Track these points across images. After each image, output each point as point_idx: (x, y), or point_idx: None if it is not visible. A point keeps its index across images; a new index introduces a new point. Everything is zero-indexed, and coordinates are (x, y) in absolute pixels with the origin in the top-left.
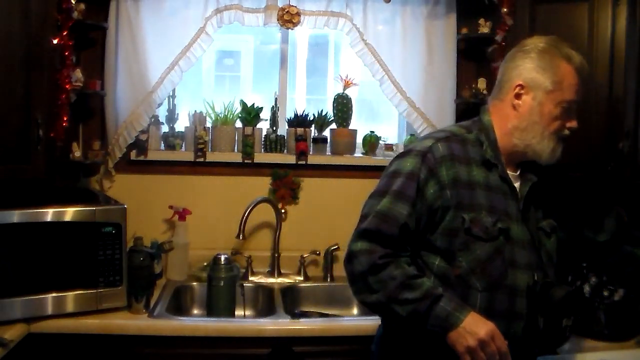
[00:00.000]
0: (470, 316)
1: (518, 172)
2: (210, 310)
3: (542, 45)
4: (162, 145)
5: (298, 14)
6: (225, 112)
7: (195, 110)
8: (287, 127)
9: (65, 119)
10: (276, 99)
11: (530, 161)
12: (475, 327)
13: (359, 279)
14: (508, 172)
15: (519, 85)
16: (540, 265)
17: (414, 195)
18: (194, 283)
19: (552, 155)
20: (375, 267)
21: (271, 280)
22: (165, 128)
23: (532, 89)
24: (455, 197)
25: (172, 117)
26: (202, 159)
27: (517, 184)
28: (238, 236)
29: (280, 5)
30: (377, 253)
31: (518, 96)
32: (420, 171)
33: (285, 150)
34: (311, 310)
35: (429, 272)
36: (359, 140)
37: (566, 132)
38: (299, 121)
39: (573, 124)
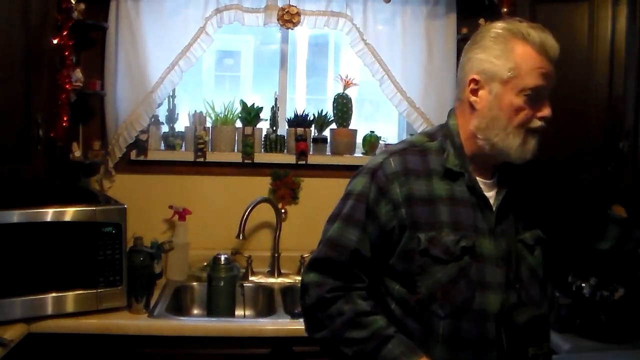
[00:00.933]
0: None
1: (493, 180)
2: (210, 310)
3: (495, 30)
4: (162, 145)
5: (298, 14)
6: (225, 112)
7: (195, 110)
8: (287, 127)
9: (65, 119)
10: (276, 99)
11: (508, 164)
12: None
13: (308, 314)
14: (480, 179)
15: (473, 80)
16: (517, 283)
17: (364, 218)
18: (194, 283)
19: (522, 152)
20: (323, 301)
21: (271, 280)
22: (165, 128)
23: (486, 82)
24: (411, 215)
25: (172, 117)
26: (202, 159)
27: (491, 193)
28: (238, 236)
29: (280, 5)
30: (326, 286)
31: (474, 92)
32: (370, 191)
33: (285, 150)
34: None
35: (391, 299)
36: (359, 140)
37: (537, 123)
38: (299, 121)
39: (544, 112)
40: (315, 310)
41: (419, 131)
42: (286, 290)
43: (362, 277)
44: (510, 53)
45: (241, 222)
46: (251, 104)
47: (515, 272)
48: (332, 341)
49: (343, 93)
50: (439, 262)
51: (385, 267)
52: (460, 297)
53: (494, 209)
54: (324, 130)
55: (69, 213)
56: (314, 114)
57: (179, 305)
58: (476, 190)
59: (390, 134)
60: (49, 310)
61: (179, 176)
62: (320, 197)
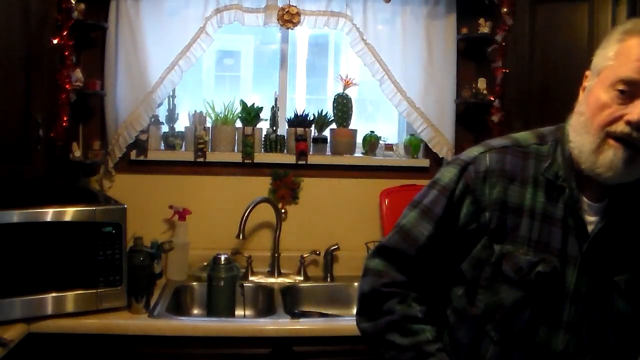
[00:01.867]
0: None
1: (602, 203)
2: (210, 310)
3: (617, 27)
4: (162, 145)
5: (298, 14)
6: (225, 112)
7: (195, 110)
8: (287, 127)
9: (65, 119)
10: (276, 99)
11: (631, 189)
12: None
13: (360, 300)
14: (586, 200)
15: (585, 76)
16: (596, 328)
17: (441, 213)
18: (194, 283)
19: (595, 161)
20: (377, 294)
21: (271, 280)
22: (165, 128)
23: (591, 77)
24: (493, 221)
25: (172, 117)
26: (202, 159)
27: (594, 218)
28: (238, 236)
29: (280, 5)
30: (385, 278)
31: (583, 89)
32: (456, 186)
33: (285, 150)
34: (311, 310)
35: (449, 303)
36: (359, 140)
37: (621, 127)
38: (299, 121)
39: (632, 115)
40: (367, 300)
41: (418, 131)
42: (286, 290)
43: (427, 277)
44: (616, 44)
45: (241, 222)
46: (251, 104)
47: (599, 316)
48: (373, 336)
49: (343, 93)
50: (507, 282)
51: (455, 269)
52: (519, 325)
53: (590, 237)
54: (324, 130)
55: (69, 213)
56: (314, 114)
57: (179, 305)
58: (575, 211)
59: (390, 134)
60: (49, 310)
61: (179, 176)
62: (320, 197)
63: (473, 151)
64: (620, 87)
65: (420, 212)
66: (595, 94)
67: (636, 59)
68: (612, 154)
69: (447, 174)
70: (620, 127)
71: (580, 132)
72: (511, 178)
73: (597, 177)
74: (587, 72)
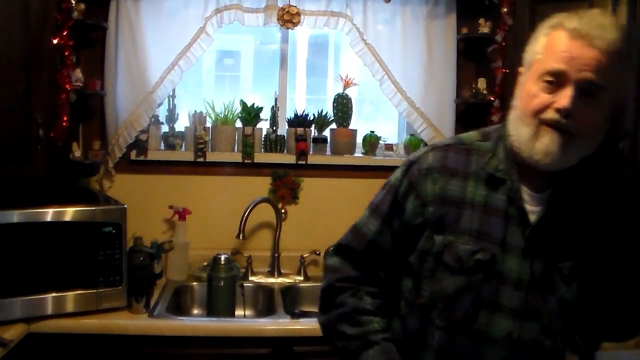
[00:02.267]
0: None
1: (544, 193)
2: (210, 310)
3: (547, 21)
4: (162, 145)
5: (298, 14)
6: (225, 112)
7: (195, 110)
8: (287, 127)
9: (65, 119)
10: (276, 99)
11: (574, 178)
12: None
13: (320, 295)
14: (528, 191)
15: (518, 72)
16: (543, 314)
17: (387, 210)
18: (194, 283)
19: (532, 148)
20: (332, 288)
21: (271, 280)
22: (165, 128)
23: (523, 72)
24: (435, 215)
25: (172, 117)
26: (202, 159)
27: (537, 208)
28: (238, 236)
29: (280, 5)
30: (340, 274)
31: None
32: (401, 184)
33: (285, 150)
34: (311, 310)
35: (402, 295)
36: (359, 140)
37: (550, 114)
38: (299, 121)
39: (561, 102)
40: (324, 294)
41: (418, 131)
42: (286, 290)
43: (379, 271)
44: (543, 38)
45: (241, 222)
46: (251, 104)
47: (542, 302)
48: (327, 328)
49: (343, 93)
50: (449, 270)
51: (405, 263)
52: (461, 312)
53: (531, 225)
54: (324, 130)
55: (69, 213)
56: (314, 114)
57: (179, 305)
58: (516, 201)
59: (390, 134)
60: (49, 310)
61: (179, 176)
62: (320, 197)
63: (418, 151)
64: (548, 78)
65: (371, 211)
66: (526, 87)
67: (561, 50)
68: (547, 139)
69: (395, 175)
70: (550, 114)
71: (517, 124)
72: (452, 173)
73: (537, 164)
74: (521, 69)
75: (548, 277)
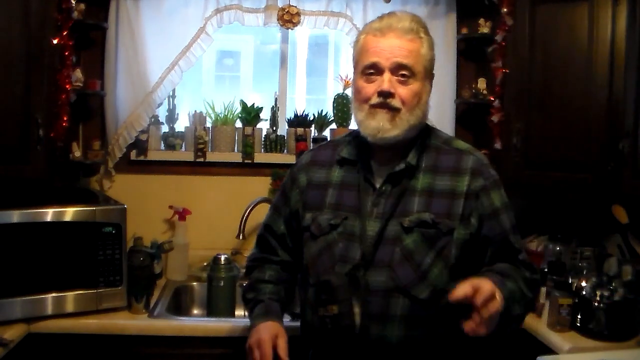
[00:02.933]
0: (259, 324)
1: (393, 165)
2: (210, 310)
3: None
4: (162, 145)
5: (298, 14)
6: (225, 112)
7: (195, 110)
8: (287, 127)
9: (65, 119)
10: (276, 99)
11: (422, 151)
12: (254, 333)
13: None
14: (382, 167)
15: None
16: (390, 263)
17: (278, 202)
18: (194, 283)
19: (368, 126)
20: (247, 267)
21: None
22: (165, 128)
23: (353, 74)
24: (306, 198)
25: (172, 117)
26: (202, 159)
27: (382, 179)
28: (238, 236)
29: (280, 5)
30: (251, 256)
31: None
32: (287, 181)
33: (285, 150)
34: None
35: (300, 270)
36: None
37: (375, 99)
38: (299, 121)
39: (381, 87)
40: (245, 274)
41: None
42: None
43: (279, 251)
44: (358, 43)
45: (241, 222)
46: (251, 104)
47: (390, 253)
48: (243, 298)
49: (343, 93)
50: (313, 238)
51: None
52: (322, 268)
53: (376, 192)
54: (324, 130)
55: (69, 213)
56: (314, 114)
57: (179, 305)
58: (366, 175)
59: None
60: (49, 310)
61: (179, 176)
62: None
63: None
64: (368, 71)
65: (271, 206)
66: (356, 84)
67: (371, 47)
68: (378, 117)
69: (286, 176)
70: (375, 99)
71: (356, 113)
72: (321, 164)
73: (376, 140)
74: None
75: (394, 233)
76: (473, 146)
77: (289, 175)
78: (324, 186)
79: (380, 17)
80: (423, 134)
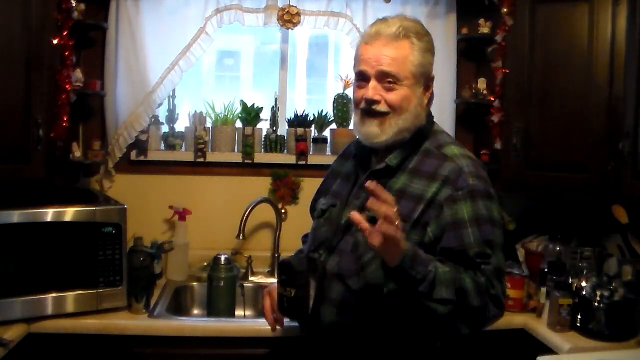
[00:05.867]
0: None
1: (385, 162)
2: (210, 310)
3: None
4: (162, 145)
5: (298, 14)
6: (225, 112)
7: (195, 110)
8: (287, 127)
9: (65, 119)
10: (276, 99)
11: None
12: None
13: None
14: (375, 163)
15: None
16: (333, 248)
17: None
18: (194, 283)
19: (360, 132)
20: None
21: (271, 280)
22: (165, 128)
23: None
24: (322, 183)
25: (172, 117)
26: (202, 159)
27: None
28: (238, 236)
29: (280, 5)
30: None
31: None
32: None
33: (285, 150)
34: None
35: None
36: None
37: (364, 105)
38: (299, 121)
39: (367, 94)
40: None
41: None
42: None
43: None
44: (355, 52)
45: (241, 222)
46: (251, 104)
47: (345, 241)
48: None
49: (343, 93)
50: (313, 219)
51: None
52: (310, 247)
53: (357, 185)
54: (324, 130)
55: (69, 213)
56: (314, 114)
57: (179, 305)
58: (356, 168)
59: None
60: (49, 310)
61: (179, 176)
62: None
63: None
64: (359, 78)
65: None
66: (354, 90)
67: (360, 55)
68: (367, 124)
69: None
70: (363, 104)
71: (353, 117)
72: (345, 156)
73: (367, 144)
74: None
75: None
76: (472, 149)
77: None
78: (336, 175)
79: (373, 23)
80: (419, 136)
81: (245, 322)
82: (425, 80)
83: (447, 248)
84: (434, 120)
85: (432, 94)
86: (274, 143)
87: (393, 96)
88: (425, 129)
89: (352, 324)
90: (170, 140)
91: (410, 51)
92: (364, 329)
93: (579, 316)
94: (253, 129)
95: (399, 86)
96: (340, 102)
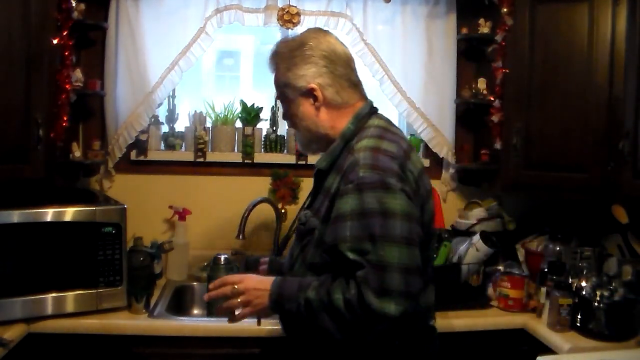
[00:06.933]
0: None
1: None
2: (210, 310)
3: None
4: (162, 145)
5: (298, 14)
6: (225, 112)
7: (195, 110)
8: (287, 127)
9: (65, 119)
10: (276, 99)
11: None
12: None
13: None
14: None
15: None
16: (307, 247)
17: None
18: (194, 283)
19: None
20: None
21: None
22: (165, 128)
23: None
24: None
25: (172, 117)
26: (202, 159)
27: None
28: (238, 236)
29: (280, 5)
30: None
31: None
32: None
33: (285, 150)
34: None
35: None
36: None
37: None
38: None
39: None
40: None
41: (419, 131)
42: None
43: None
44: None
45: (241, 222)
46: (251, 104)
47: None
48: None
49: None
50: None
51: None
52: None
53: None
54: None
55: (69, 213)
56: None
57: (179, 305)
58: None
59: None
60: (49, 310)
61: (179, 176)
62: None
63: None
64: None
65: None
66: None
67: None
68: (296, 136)
69: None
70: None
71: None
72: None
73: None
74: None
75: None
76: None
77: None
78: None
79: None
80: (346, 137)
81: (245, 322)
82: (299, 92)
83: (325, 241)
84: (380, 112)
85: (325, 99)
86: (274, 143)
87: (289, 112)
88: (348, 130)
89: (284, 321)
90: (170, 140)
91: (277, 72)
92: (293, 327)
93: (579, 316)
94: (253, 129)
95: (285, 104)
96: None
